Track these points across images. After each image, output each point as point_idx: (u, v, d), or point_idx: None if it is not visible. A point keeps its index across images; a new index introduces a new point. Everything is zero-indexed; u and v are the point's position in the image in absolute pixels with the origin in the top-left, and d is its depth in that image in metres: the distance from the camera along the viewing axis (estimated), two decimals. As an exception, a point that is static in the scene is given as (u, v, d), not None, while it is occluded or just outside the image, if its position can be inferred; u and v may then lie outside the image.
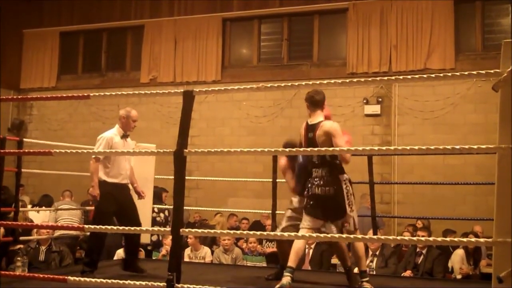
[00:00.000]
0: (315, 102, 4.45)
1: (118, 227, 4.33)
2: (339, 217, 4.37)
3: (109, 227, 4.18)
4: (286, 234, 4.20)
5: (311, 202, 4.37)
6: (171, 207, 7.68)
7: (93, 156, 4.97)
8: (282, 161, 4.90)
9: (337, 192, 4.30)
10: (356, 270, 4.69)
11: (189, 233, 5.54)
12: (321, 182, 4.32)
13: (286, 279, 4.13)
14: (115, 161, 5.07)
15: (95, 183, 4.93)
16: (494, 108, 7.83)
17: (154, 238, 7.72)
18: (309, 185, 4.40)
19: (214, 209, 9.00)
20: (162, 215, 8.25)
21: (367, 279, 4.43)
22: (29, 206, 8.96)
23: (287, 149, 4.28)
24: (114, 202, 5.00)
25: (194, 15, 11.18)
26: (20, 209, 6.16)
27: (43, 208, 8.36)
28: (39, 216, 8.32)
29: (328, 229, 4.48)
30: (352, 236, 3.94)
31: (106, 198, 4.95)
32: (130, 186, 5.35)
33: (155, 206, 7.31)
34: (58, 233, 7.39)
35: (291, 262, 4.26)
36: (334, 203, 4.31)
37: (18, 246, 6.60)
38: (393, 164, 9.52)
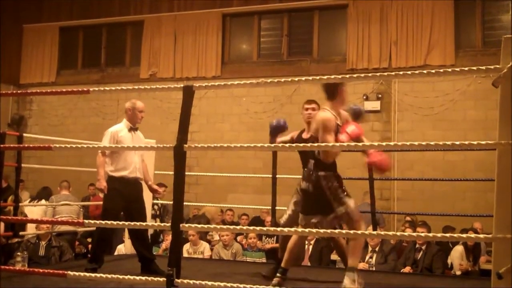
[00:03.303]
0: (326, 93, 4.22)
1: (118, 222, 4.31)
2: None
3: (108, 222, 4.18)
4: (286, 229, 4.16)
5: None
6: (167, 202, 7.71)
7: (100, 151, 4.90)
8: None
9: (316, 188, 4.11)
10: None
11: (189, 229, 5.56)
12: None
13: (276, 280, 4.13)
14: (122, 155, 4.91)
15: (100, 176, 4.80)
16: (494, 105, 7.83)
17: (151, 231, 7.72)
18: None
19: (214, 205, 9.01)
20: (155, 207, 8.25)
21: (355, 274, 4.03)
22: (26, 201, 8.90)
23: (286, 145, 4.22)
24: (121, 198, 4.86)
25: (194, 10, 11.17)
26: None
27: (40, 203, 8.30)
28: (35, 211, 8.25)
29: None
30: (351, 231, 3.90)
31: (112, 194, 4.82)
32: (143, 182, 5.17)
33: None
34: (58, 229, 7.37)
35: (285, 263, 4.22)
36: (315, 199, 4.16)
37: (16, 240, 6.61)
38: (393, 160, 9.52)
